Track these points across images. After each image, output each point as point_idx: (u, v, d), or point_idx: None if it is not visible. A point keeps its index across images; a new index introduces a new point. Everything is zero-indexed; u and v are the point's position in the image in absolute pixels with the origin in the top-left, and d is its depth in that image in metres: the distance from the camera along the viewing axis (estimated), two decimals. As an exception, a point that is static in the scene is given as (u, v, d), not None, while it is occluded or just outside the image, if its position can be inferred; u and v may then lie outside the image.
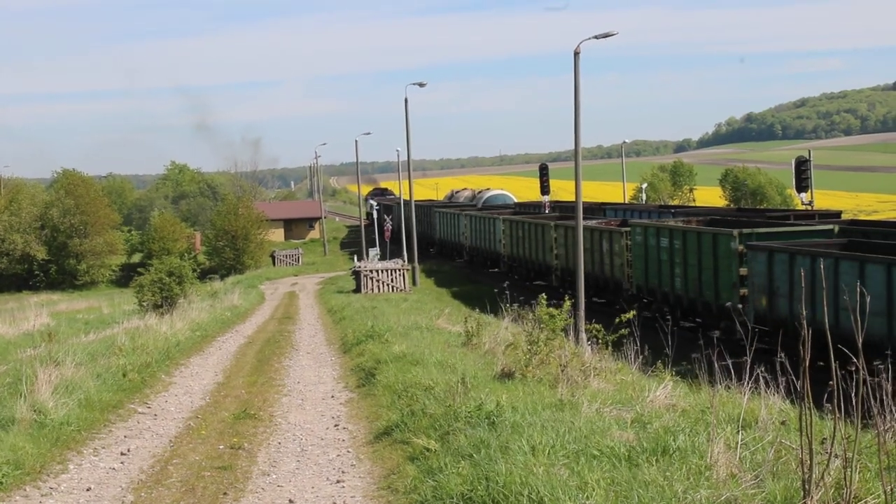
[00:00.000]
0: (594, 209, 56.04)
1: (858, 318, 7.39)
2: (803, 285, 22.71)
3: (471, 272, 60.36)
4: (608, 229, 40.51)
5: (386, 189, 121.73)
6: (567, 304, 16.68)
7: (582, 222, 31.72)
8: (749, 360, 10.67)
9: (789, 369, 10.13)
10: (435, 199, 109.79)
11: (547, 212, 56.84)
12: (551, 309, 16.10)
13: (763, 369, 11.51)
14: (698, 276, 31.65)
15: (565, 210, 55.31)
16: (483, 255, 60.11)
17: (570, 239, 42.59)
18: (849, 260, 24.30)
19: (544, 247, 47.77)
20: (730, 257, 29.76)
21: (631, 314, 15.80)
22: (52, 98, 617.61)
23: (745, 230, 30.71)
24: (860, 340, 7.18)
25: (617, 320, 15.98)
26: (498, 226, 55.90)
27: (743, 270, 29.06)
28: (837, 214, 43.10)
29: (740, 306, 28.37)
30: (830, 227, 31.92)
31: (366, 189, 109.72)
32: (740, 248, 29.27)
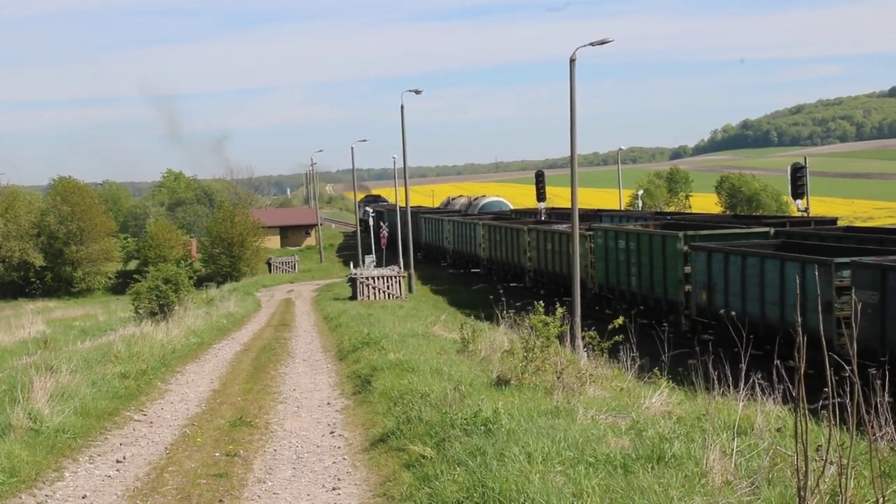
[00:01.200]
0: (590, 216, 56.14)
1: (854, 329, 7.40)
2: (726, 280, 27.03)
3: (454, 274, 63.08)
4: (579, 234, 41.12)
5: (378, 196, 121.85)
6: (560, 310, 16.71)
7: (576, 226, 31.81)
8: (744, 367, 10.70)
9: (786, 377, 10.15)
10: (430, 205, 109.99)
11: (543, 219, 56.97)
12: (545, 316, 16.13)
13: (759, 376, 11.53)
14: (650, 275, 35.04)
15: (561, 217, 55.44)
16: (465, 258, 63.38)
17: (542, 242, 47.34)
18: (771, 259, 27.36)
19: (519, 250, 51.10)
20: (676, 257, 32.97)
21: (621, 320, 15.92)
22: (44, 105, 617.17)
23: (690, 232, 34.21)
24: (854, 352, 7.19)
25: (610, 326, 16.01)
26: (478, 230, 59.02)
27: (687, 269, 32.15)
28: (833, 221, 43.28)
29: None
30: (767, 229, 35.34)
31: (359, 196, 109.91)
32: (685, 248, 32.48)
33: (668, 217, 52.70)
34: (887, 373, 10.57)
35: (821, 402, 7.69)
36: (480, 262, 59.30)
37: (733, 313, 26.53)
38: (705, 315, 30.43)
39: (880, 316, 22.52)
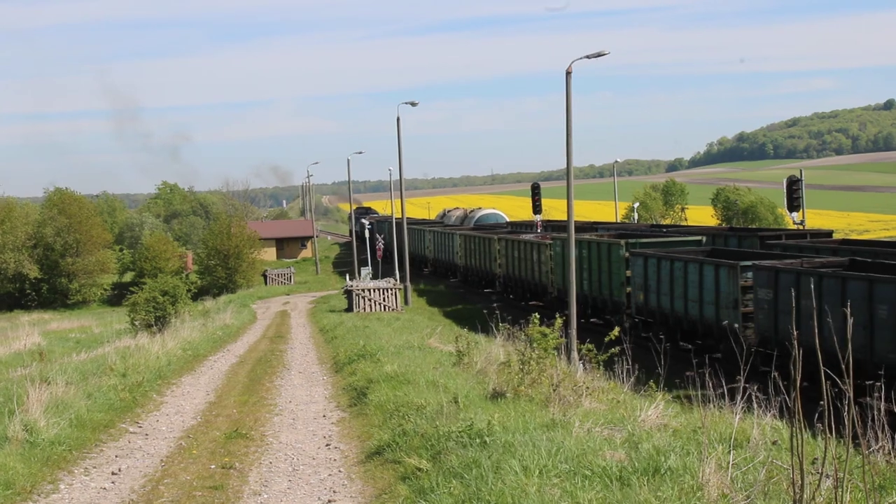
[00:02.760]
0: (586, 228, 56.28)
1: (848, 341, 7.41)
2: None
3: (434, 279, 67.52)
4: (537, 242, 47.92)
5: (369, 208, 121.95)
6: (559, 321, 16.74)
7: (572, 238, 31.85)
8: (742, 381, 10.70)
9: (783, 389, 10.16)
10: (425, 217, 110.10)
11: (539, 231, 57.13)
12: (543, 328, 16.15)
13: (756, 388, 11.54)
14: (599, 278, 39.60)
15: (557, 229, 55.63)
16: (444, 266, 68.32)
17: (510, 251, 51.91)
18: (693, 262, 31.71)
19: (490, 258, 55.74)
20: (619, 262, 37.45)
21: (617, 331, 15.97)
22: (39, 118, 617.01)
23: (631, 240, 38.47)
24: (844, 360, 7.20)
25: (607, 339, 16.04)
26: (455, 240, 64.20)
27: (628, 272, 36.49)
28: (829, 234, 43.34)
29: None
30: (700, 238, 41.19)
31: (345, 207, 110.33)
32: (626, 254, 36.89)
33: (665, 229, 52.92)
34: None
35: (816, 416, 7.71)
36: (457, 269, 63.78)
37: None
38: (643, 313, 35.02)
39: (774, 310, 26.76)
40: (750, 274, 28.42)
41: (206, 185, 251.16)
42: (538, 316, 17.11)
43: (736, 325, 27.59)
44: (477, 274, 59.15)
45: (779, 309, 26.49)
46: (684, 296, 31.81)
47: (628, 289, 36.29)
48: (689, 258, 32.38)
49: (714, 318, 30.18)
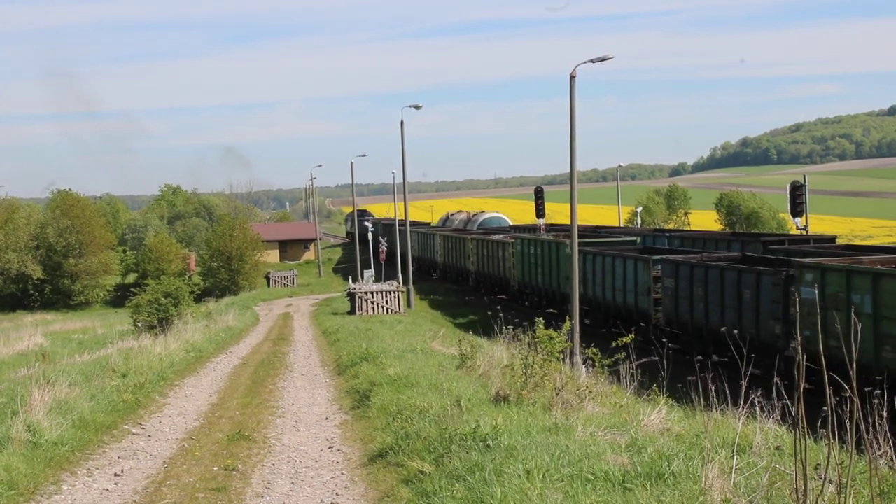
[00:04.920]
0: (590, 233, 56.29)
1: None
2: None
3: (418, 278, 68.59)
4: (502, 241, 54.14)
5: (365, 210, 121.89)
6: (567, 325, 16.76)
7: (575, 243, 31.92)
8: (744, 385, 10.70)
9: (785, 394, 10.16)
10: (427, 220, 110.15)
11: (543, 234, 57.24)
12: (550, 331, 16.15)
13: (759, 394, 11.54)
14: (550, 273, 45.40)
15: (560, 233, 55.71)
16: (427, 264, 73.44)
17: (481, 249, 58.00)
18: (619, 257, 37.34)
19: (465, 256, 61.77)
20: (566, 259, 41.00)
21: (630, 338, 16.02)
22: (42, 118, 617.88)
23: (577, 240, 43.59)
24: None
25: (613, 344, 16.05)
26: (436, 240, 70.90)
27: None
28: (832, 239, 43.29)
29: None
30: (634, 238, 47.39)
31: (347, 210, 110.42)
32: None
33: (668, 234, 52.91)
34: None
35: (819, 421, 7.71)
36: (437, 267, 70.11)
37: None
38: (584, 301, 38.38)
39: (675, 296, 32.29)
40: (659, 266, 33.81)
41: (209, 186, 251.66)
42: (543, 320, 17.12)
43: (647, 308, 34.39)
44: (454, 271, 65.44)
45: (679, 295, 32.05)
46: (612, 286, 37.33)
47: None
48: (616, 254, 37.84)
49: (634, 303, 35.79)
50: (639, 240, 46.50)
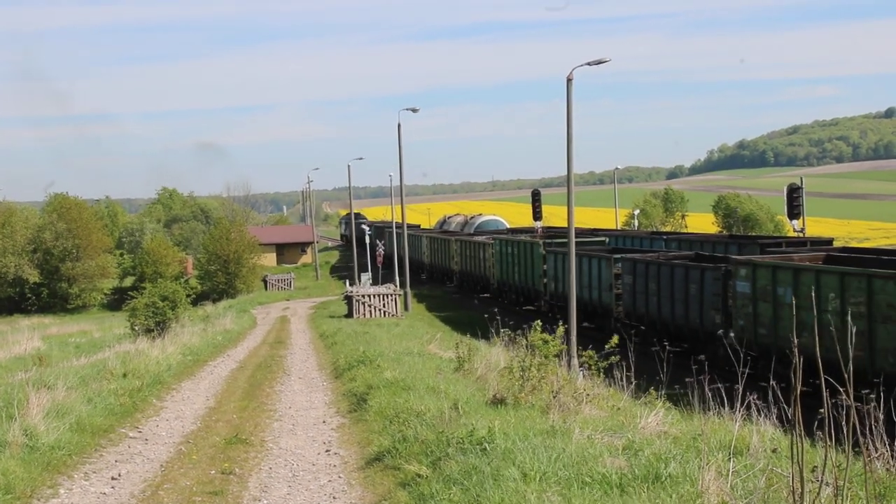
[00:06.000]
0: (586, 235, 56.37)
1: (850, 350, 7.41)
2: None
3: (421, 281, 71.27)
4: (483, 242, 57.82)
5: (359, 214, 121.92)
6: (560, 329, 16.76)
7: (574, 246, 31.92)
8: (741, 387, 10.71)
9: (776, 393, 10.16)
10: (424, 224, 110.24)
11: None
12: (545, 335, 16.16)
13: (755, 396, 11.54)
14: (524, 271, 48.67)
15: (557, 236, 55.79)
16: (415, 264, 73.36)
17: (465, 250, 61.80)
18: (586, 257, 40.14)
19: (449, 256, 65.74)
20: (538, 259, 46.58)
21: (615, 339, 16.07)
22: (42, 121, 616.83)
23: (548, 241, 47.63)
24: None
25: (607, 346, 16.06)
26: (423, 242, 74.56)
27: (545, 267, 45.63)
28: (829, 241, 43.29)
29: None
30: (603, 238, 50.96)
31: (342, 213, 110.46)
32: (543, 252, 46.16)
33: (665, 237, 53.16)
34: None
35: (816, 424, 7.72)
36: (424, 267, 73.38)
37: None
38: (554, 298, 43.65)
39: (633, 292, 35.39)
40: (620, 264, 36.96)
41: (207, 189, 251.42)
42: (540, 323, 17.14)
43: (609, 303, 37.80)
44: (440, 271, 68.94)
45: (636, 290, 35.09)
46: (579, 283, 37.75)
47: (545, 280, 45.64)
48: (583, 253, 39.96)
49: (598, 299, 39.08)
50: (607, 240, 49.81)
